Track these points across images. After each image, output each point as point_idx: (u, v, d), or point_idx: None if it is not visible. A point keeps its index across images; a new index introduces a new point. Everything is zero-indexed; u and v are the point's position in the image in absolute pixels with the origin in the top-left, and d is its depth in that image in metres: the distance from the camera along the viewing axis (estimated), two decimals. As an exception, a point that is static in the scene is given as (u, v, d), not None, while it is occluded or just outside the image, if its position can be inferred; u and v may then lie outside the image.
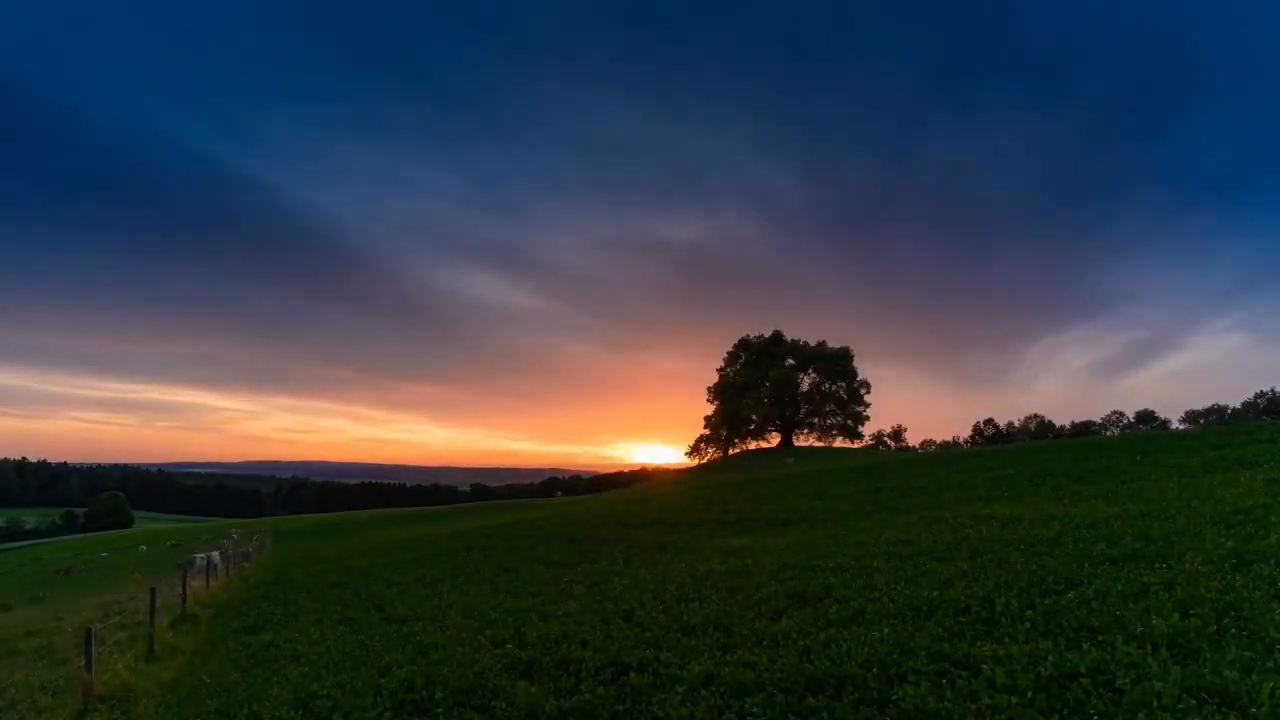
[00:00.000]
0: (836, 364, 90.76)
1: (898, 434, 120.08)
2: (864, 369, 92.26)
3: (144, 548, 57.37)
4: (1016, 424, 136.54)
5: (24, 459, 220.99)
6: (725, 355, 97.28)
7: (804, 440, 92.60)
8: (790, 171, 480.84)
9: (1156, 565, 8.15)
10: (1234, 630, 5.69)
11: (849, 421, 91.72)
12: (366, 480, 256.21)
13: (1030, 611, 7.05)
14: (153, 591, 13.00)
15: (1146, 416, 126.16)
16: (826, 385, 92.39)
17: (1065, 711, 4.79)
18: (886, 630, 7.15)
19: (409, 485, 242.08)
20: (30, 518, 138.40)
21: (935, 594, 8.28)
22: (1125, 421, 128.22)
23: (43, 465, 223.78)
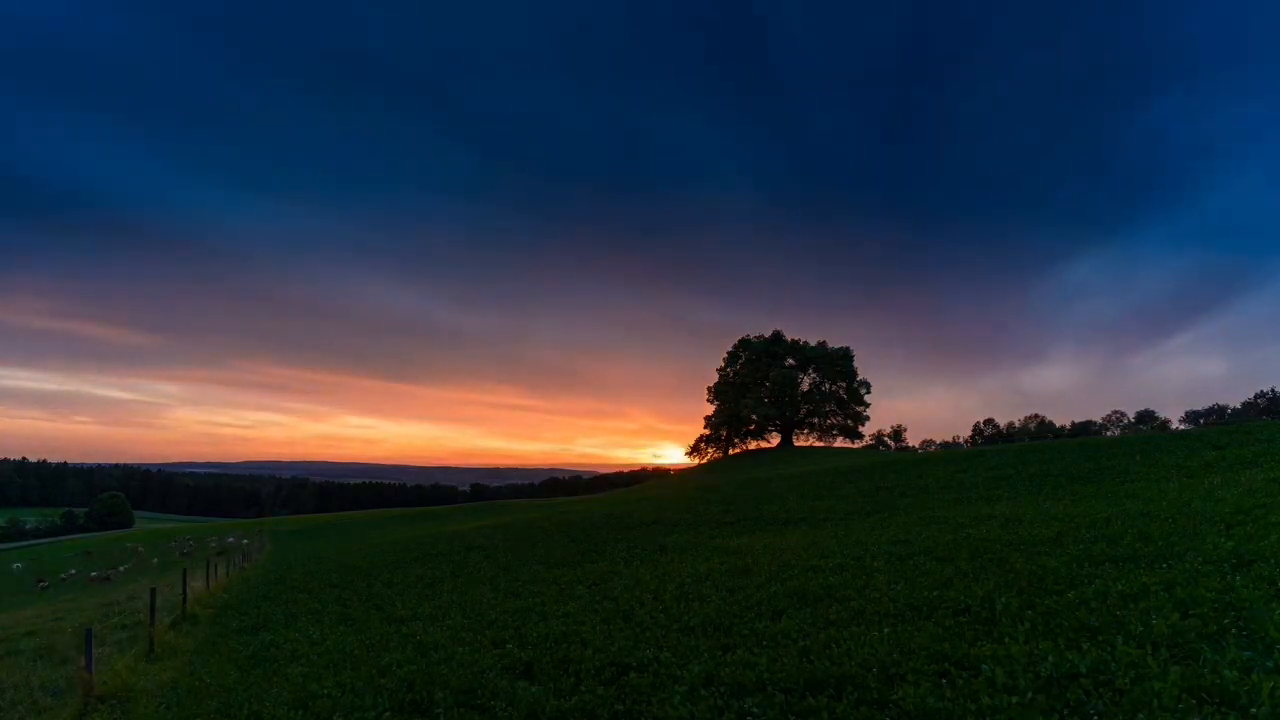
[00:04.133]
0: (836, 364, 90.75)
1: (898, 434, 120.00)
2: (862, 365, 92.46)
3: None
4: (1017, 424, 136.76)
5: (24, 459, 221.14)
6: (725, 355, 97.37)
7: (804, 440, 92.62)
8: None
9: (1156, 565, 8.16)
10: (1234, 630, 5.69)
11: (849, 421, 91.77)
12: (366, 480, 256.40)
13: (1030, 611, 7.05)
14: (153, 591, 12.99)
15: (1146, 416, 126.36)
16: (826, 385, 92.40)
17: (1065, 711, 4.79)
18: (886, 630, 7.15)
19: (409, 485, 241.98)
20: (30, 518, 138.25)
21: (935, 594, 8.28)
22: (1125, 421, 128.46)
23: (43, 465, 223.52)
